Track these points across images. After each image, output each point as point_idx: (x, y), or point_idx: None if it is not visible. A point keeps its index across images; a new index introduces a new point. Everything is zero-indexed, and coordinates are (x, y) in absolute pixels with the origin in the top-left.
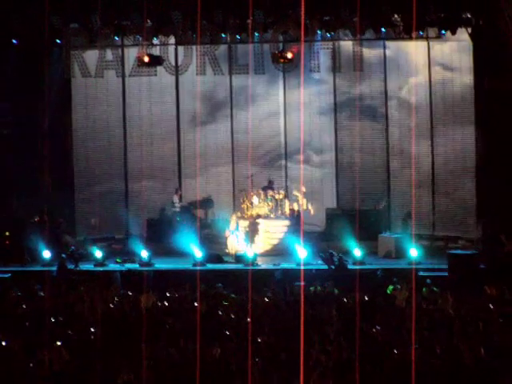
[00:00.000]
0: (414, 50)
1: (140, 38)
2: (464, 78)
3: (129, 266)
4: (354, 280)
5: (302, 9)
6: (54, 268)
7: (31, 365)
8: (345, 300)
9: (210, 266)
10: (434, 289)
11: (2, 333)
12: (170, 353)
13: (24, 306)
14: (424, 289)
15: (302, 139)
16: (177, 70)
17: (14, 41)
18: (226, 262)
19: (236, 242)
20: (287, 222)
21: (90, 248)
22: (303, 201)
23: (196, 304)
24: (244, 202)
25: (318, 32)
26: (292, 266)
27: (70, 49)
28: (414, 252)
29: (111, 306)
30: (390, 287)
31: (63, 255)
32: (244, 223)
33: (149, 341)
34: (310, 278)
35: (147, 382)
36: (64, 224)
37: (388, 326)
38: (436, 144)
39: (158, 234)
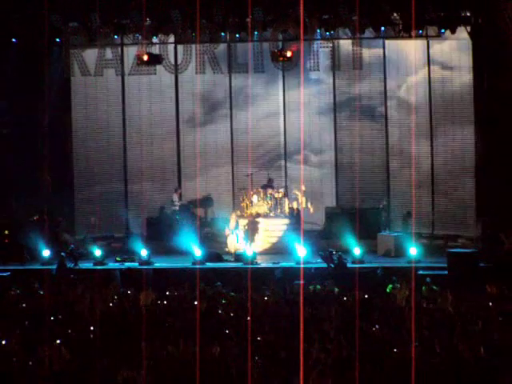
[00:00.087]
0: (414, 49)
1: (139, 37)
2: (463, 77)
3: (128, 264)
4: (353, 278)
5: (302, 7)
6: (54, 266)
7: (31, 363)
8: (344, 299)
9: (209, 264)
10: (434, 287)
11: (2, 331)
12: (170, 351)
13: (23, 305)
14: (424, 287)
15: (302, 139)
16: (176, 69)
17: (13, 40)
18: (226, 261)
19: (236, 240)
20: (287, 221)
21: (90, 247)
22: (303, 199)
23: (195, 303)
24: (244, 200)
25: (318, 31)
26: (291, 264)
27: (70, 48)
28: (413, 250)
29: (111, 304)
30: (390, 286)
31: (63, 254)
32: (243, 222)
33: (148, 339)
34: (309, 276)
35: (147, 381)
36: (63, 223)
37: (387, 325)
38: (435, 143)
39: (158, 232)
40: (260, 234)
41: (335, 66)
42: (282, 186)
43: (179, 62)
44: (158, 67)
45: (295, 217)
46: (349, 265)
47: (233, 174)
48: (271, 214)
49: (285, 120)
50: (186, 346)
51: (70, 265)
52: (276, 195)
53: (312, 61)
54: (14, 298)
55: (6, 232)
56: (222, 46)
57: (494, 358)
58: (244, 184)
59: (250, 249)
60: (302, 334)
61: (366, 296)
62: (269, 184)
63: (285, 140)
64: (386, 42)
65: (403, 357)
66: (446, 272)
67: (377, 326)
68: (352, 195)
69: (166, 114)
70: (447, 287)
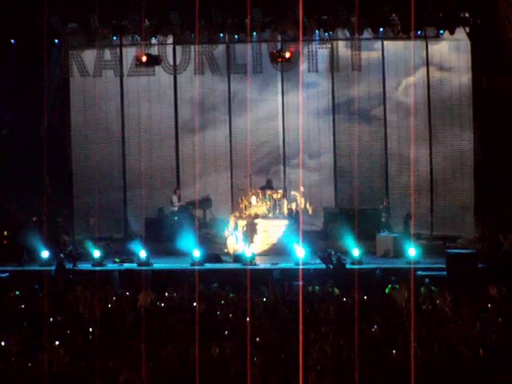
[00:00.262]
0: (412, 50)
1: (138, 38)
2: (462, 78)
3: (127, 265)
4: (352, 279)
5: (300, 8)
6: (53, 268)
7: (30, 364)
8: (343, 299)
9: (208, 265)
10: (433, 288)
11: (1, 332)
12: (169, 352)
13: (22, 306)
14: (422, 288)
15: (302, 141)
16: (175, 70)
17: (12, 41)
18: (225, 262)
19: (235, 241)
20: (285, 222)
21: (89, 248)
22: (301, 200)
23: (194, 304)
24: (242, 201)
25: (316, 31)
26: (290, 265)
27: (69, 48)
28: (412, 251)
29: (109, 305)
30: (389, 287)
31: (61, 255)
32: (242, 223)
33: (147, 340)
34: (308, 277)
35: (146, 382)
36: (62, 224)
37: (387, 326)
38: (434, 144)
39: (157, 233)
40: (259, 234)
41: (334, 67)
42: (281, 187)
43: (178, 62)
44: (157, 68)
45: (294, 218)
46: (348, 266)
47: (231, 176)
48: (270, 215)
49: (283, 123)
50: (185, 346)
51: (68, 266)
52: (275, 196)
53: (311, 62)
54: (13, 299)
55: (5, 233)
56: (221, 47)
57: (493, 359)
58: (243, 185)
59: (248, 250)
60: (301, 335)
61: (365, 297)
62: (267, 185)
63: (283, 143)
64: (385, 42)
65: (402, 358)
66: (444, 273)
67: (376, 327)
68: (350, 196)
69: (164, 116)
70: (446, 288)
